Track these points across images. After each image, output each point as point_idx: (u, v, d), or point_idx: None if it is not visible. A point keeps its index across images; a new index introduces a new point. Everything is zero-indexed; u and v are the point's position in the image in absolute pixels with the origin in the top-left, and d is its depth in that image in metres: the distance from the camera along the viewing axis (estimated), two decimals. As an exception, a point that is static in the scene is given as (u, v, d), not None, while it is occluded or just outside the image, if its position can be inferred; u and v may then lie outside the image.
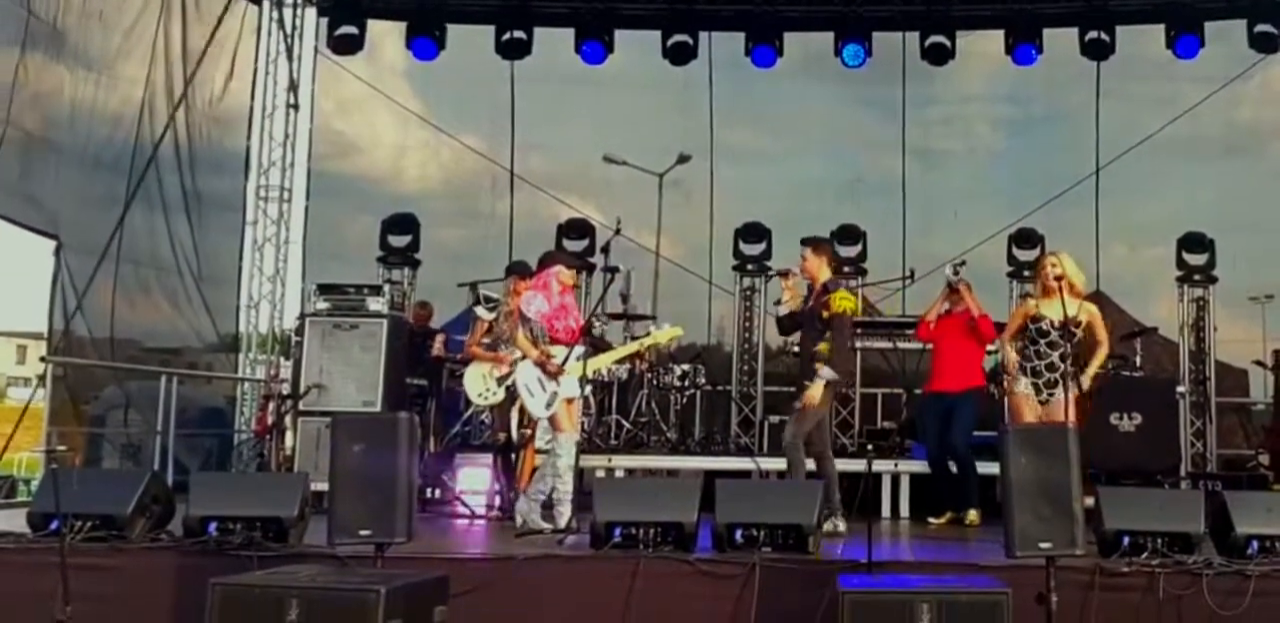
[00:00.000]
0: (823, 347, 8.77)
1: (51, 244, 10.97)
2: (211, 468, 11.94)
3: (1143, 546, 6.92)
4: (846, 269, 13.91)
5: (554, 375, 8.58)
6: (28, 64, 10.44)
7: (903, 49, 14.62)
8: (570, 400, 8.68)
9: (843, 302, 8.83)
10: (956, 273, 9.97)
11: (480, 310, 9.81)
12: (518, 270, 9.84)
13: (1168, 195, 15.18)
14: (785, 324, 9.33)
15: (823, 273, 8.98)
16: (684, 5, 14.48)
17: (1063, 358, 8.48)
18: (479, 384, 9.69)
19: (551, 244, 13.68)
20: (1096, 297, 13.44)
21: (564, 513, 8.41)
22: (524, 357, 8.75)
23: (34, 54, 10.52)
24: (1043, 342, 8.55)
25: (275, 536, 7.20)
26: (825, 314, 8.78)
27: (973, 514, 9.74)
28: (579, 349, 8.61)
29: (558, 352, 8.59)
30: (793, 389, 10.48)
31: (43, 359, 10.48)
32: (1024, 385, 8.60)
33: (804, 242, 9.17)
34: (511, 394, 9.38)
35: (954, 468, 9.92)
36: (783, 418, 13.34)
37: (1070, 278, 8.51)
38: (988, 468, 9.34)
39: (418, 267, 13.89)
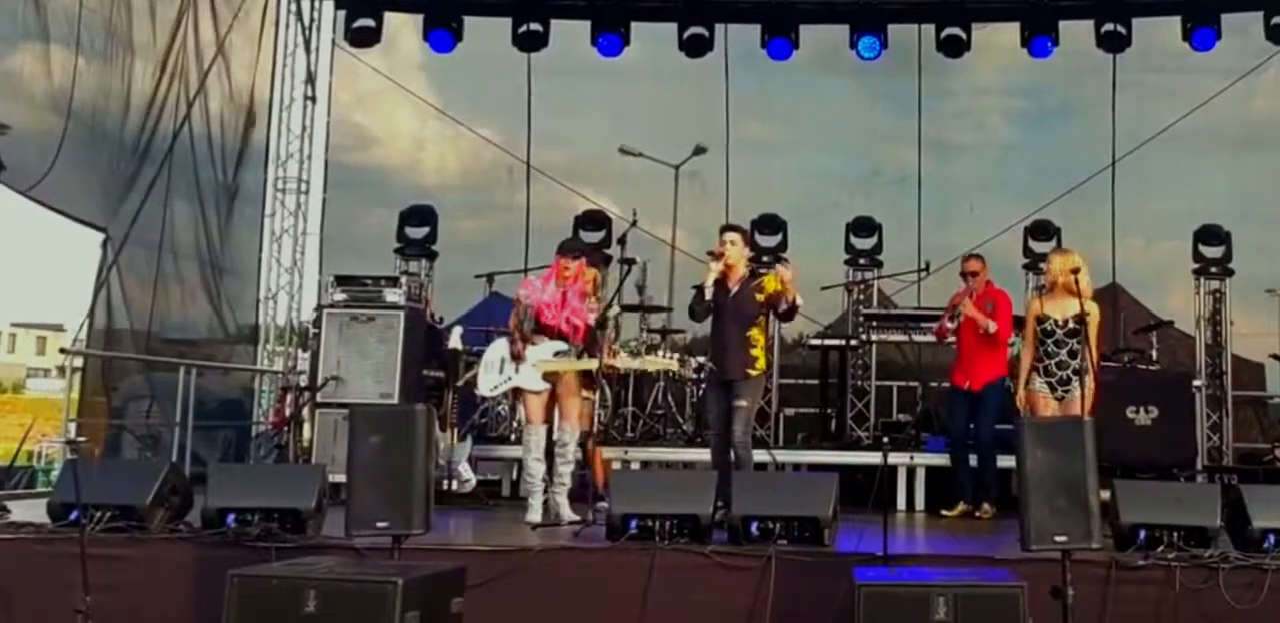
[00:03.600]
0: (757, 333, 8.74)
1: (97, 237, 11.04)
2: (229, 459, 11.99)
3: (1159, 539, 6.94)
4: (862, 262, 13.96)
5: (516, 359, 8.65)
6: (69, 55, 10.49)
7: (918, 41, 14.59)
8: (534, 393, 8.68)
9: (774, 283, 8.79)
10: (954, 319, 10.02)
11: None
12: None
13: (1184, 188, 15.11)
14: (701, 311, 8.97)
15: (745, 261, 8.96)
16: (700, -3, 14.51)
17: (1071, 354, 8.56)
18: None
19: (568, 236, 13.69)
20: (1112, 289, 13.49)
21: (534, 505, 8.53)
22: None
23: (72, 45, 10.57)
24: (1049, 341, 8.71)
25: (293, 527, 7.25)
26: (760, 298, 8.74)
27: (986, 507, 9.77)
28: (554, 345, 8.67)
29: (552, 344, 8.68)
30: (811, 382, 10.51)
31: (62, 350, 10.53)
32: (1039, 384, 8.75)
33: (735, 228, 9.08)
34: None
35: (974, 461, 9.95)
36: (798, 410, 13.44)
37: (1080, 274, 8.58)
38: (1004, 461, 9.40)
39: (435, 258, 13.91)
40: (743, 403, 8.61)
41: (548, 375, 8.67)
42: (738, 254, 8.85)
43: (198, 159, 12.68)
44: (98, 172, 11.03)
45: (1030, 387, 8.79)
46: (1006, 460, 9.79)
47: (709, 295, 8.76)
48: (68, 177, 10.34)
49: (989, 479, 9.87)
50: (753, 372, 8.67)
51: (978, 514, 9.75)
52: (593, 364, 8.69)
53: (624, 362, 9.25)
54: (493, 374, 8.83)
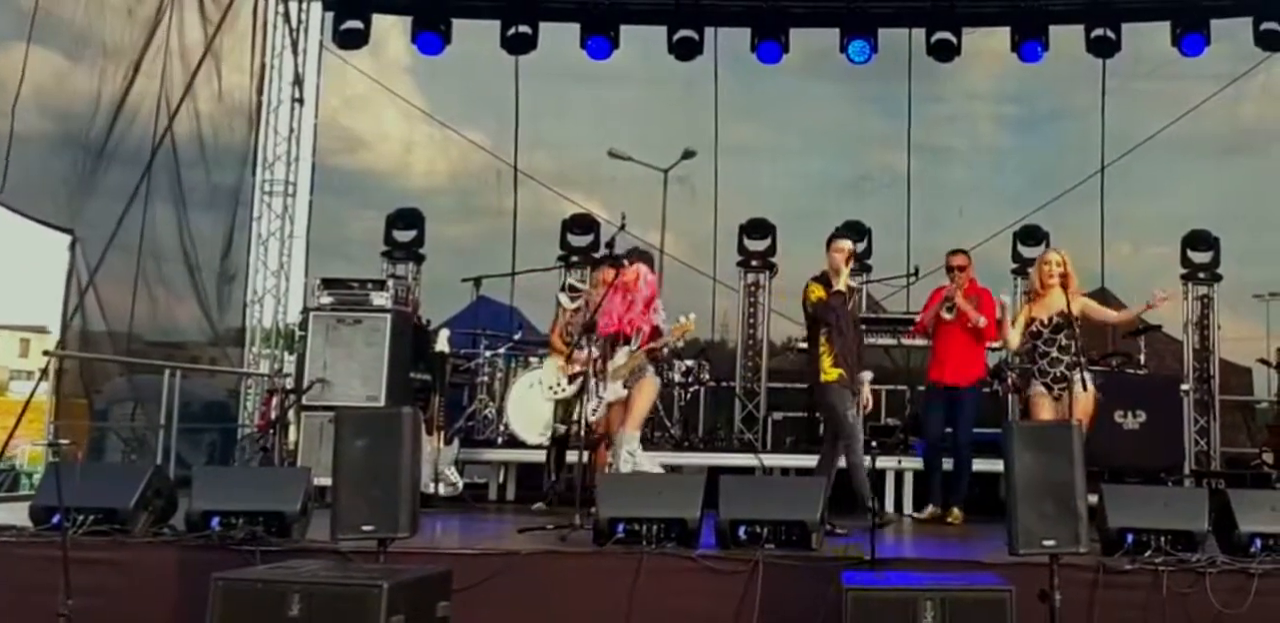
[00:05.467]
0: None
1: (66, 239, 10.98)
2: (214, 462, 11.95)
3: (1146, 544, 6.92)
4: (851, 266, 13.90)
5: (600, 375, 8.89)
6: (39, 58, 10.43)
7: (908, 45, 14.59)
8: (613, 404, 8.89)
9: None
10: (950, 311, 9.84)
11: (563, 298, 9.82)
12: (607, 262, 9.94)
13: (1172, 193, 15.15)
14: (825, 311, 9.07)
15: None
16: (690, 0, 14.46)
17: (1061, 350, 8.58)
18: (551, 378, 9.78)
19: (556, 240, 13.69)
20: (1100, 294, 13.48)
21: None
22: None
23: (45, 48, 10.51)
24: (1039, 342, 8.75)
25: (278, 530, 7.20)
26: (858, 315, 8.94)
27: (956, 512, 9.69)
28: (624, 350, 8.84)
29: (622, 351, 8.92)
30: (799, 386, 10.49)
31: (46, 353, 10.48)
32: (1038, 386, 8.78)
33: (846, 235, 9.18)
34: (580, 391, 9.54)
35: (949, 464, 9.88)
36: (786, 414, 13.41)
37: (1070, 276, 8.67)
38: (992, 465, 9.38)
39: (422, 262, 13.88)
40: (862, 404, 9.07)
41: (626, 382, 8.87)
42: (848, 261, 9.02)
43: (180, 161, 12.61)
44: (64, 173, 10.96)
45: (1031, 391, 8.85)
46: (994, 464, 9.85)
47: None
48: (31, 178, 10.30)
49: (963, 484, 9.81)
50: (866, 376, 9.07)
51: (948, 519, 9.69)
52: (640, 356, 8.90)
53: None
54: (592, 402, 8.96)
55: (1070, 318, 8.53)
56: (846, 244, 9.07)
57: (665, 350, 9.12)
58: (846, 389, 8.95)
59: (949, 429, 9.81)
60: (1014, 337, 8.91)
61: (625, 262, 9.02)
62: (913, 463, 10.55)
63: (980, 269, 10.26)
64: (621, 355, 8.82)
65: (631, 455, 8.81)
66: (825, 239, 9.48)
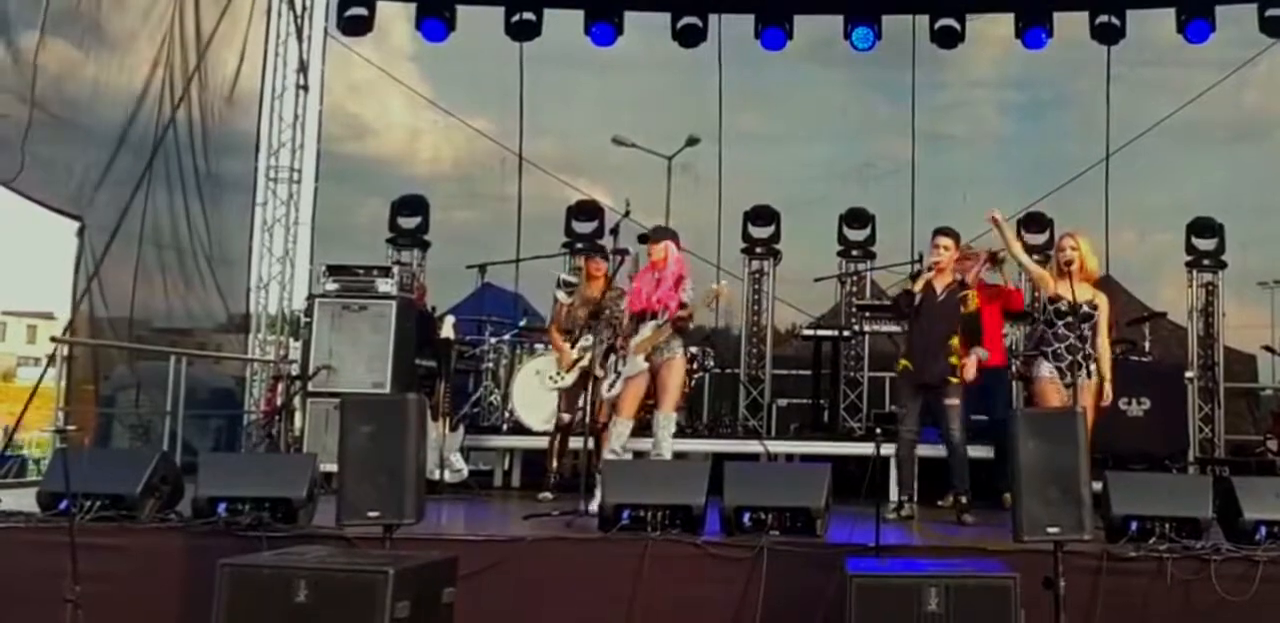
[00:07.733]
0: (956, 341, 8.78)
1: (74, 225, 10.99)
2: (220, 449, 11.97)
3: (1150, 531, 6.94)
4: (855, 253, 13.91)
5: (619, 350, 8.88)
6: (47, 45, 10.44)
7: (912, 32, 14.55)
8: (631, 378, 8.82)
9: (976, 301, 8.99)
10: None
11: (560, 294, 9.93)
12: (597, 254, 10.11)
13: (1177, 180, 15.14)
14: (906, 310, 9.04)
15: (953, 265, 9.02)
16: (693, -13, 14.45)
17: (1080, 339, 8.44)
18: (553, 368, 9.89)
19: (561, 227, 13.67)
20: (1106, 281, 13.46)
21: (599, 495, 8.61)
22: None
23: (53, 35, 10.52)
24: (1060, 324, 8.50)
25: (284, 517, 7.24)
26: (964, 309, 8.83)
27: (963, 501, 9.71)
28: (649, 325, 8.81)
29: (647, 325, 8.87)
30: (803, 372, 10.36)
31: (53, 339, 10.51)
32: (1047, 370, 8.54)
33: (948, 232, 9.06)
34: (582, 379, 9.67)
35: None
36: (790, 401, 13.43)
37: (1083, 261, 8.49)
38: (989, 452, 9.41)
39: (427, 248, 13.88)
40: (954, 402, 8.79)
41: (648, 356, 8.80)
42: (949, 259, 8.94)
43: (179, 147, 12.60)
44: (73, 160, 10.97)
45: (1039, 373, 8.64)
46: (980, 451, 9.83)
47: (916, 300, 8.86)
48: (42, 165, 10.31)
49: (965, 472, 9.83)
50: (954, 380, 8.77)
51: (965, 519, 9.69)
52: (666, 330, 8.80)
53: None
54: (609, 378, 8.98)
55: (1075, 306, 8.41)
56: (942, 241, 8.97)
57: (690, 321, 9.06)
58: (907, 383, 8.94)
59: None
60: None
61: (651, 239, 9.06)
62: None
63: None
64: (646, 329, 8.80)
65: (663, 430, 8.85)
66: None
